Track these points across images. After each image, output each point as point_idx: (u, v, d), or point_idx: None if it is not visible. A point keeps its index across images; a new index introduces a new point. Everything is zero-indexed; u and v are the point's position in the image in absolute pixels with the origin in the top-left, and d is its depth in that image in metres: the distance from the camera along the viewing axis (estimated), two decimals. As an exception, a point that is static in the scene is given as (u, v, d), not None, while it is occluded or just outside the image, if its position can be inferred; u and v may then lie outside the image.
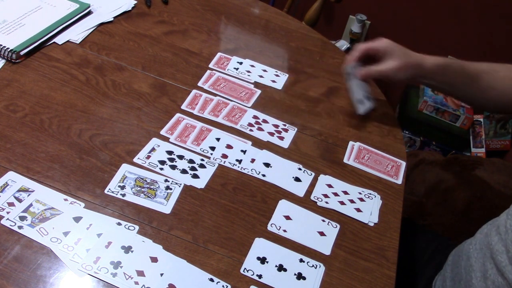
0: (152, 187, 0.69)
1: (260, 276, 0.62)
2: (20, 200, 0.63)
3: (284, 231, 0.68)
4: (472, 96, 0.91)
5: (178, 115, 0.81)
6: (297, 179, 0.76)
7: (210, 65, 0.94)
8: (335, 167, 0.80)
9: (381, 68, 0.87)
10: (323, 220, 0.71)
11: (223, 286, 0.60)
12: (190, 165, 0.74)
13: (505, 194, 1.21)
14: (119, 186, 0.68)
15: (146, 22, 1.01)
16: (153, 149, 0.74)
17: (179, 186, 0.70)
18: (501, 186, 1.23)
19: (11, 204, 0.62)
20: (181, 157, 0.74)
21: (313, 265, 0.65)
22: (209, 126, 0.81)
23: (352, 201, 0.75)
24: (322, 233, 0.69)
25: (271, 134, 0.83)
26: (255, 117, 0.85)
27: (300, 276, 0.63)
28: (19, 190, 0.64)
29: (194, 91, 0.87)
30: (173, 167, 0.72)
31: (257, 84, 0.92)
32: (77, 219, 0.62)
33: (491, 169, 1.28)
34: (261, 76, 0.94)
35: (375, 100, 0.92)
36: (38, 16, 0.92)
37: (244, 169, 0.75)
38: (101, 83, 0.84)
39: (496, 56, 2.10)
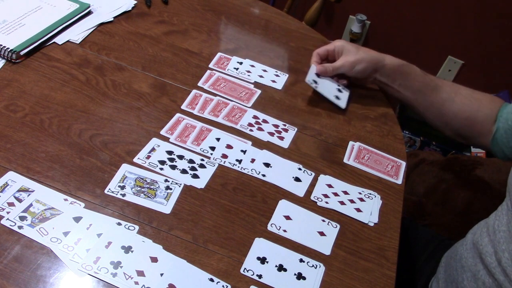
0: (152, 187, 0.69)
1: (260, 276, 0.62)
2: (20, 200, 0.63)
3: (284, 231, 0.68)
4: (430, 106, 0.90)
5: (178, 115, 0.81)
6: (297, 179, 0.76)
7: (210, 65, 0.94)
8: (335, 167, 0.80)
9: (335, 64, 0.90)
10: (323, 220, 0.71)
11: (223, 286, 0.60)
12: (190, 165, 0.74)
13: (505, 194, 1.21)
14: (119, 186, 0.68)
15: (146, 22, 1.01)
16: (153, 149, 0.74)
17: (179, 186, 0.70)
18: (501, 186, 1.23)
19: (11, 204, 0.62)
20: (181, 157, 0.74)
21: (313, 265, 0.65)
22: (209, 126, 0.81)
23: (352, 201, 0.75)
24: (322, 233, 0.69)
25: (271, 134, 0.83)
26: (255, 117, 0.85)
27: (300, 276, 0.63)
28: (19, 190, 0.64)
29: (194, 91, 0.87)
30: (173, 167, 0.72)
31: (257, 84, 0.92)
32: (77, 219, 0.62)
33: (491, 169, 1.28)
34: (261, 76, 0.94)
35: (348, 86, 0.93)
36: (38, 16, 0.92)
37: (244, 169, 0.75)
38: (101, 83, 0.84)
39: (496, 56, 2.11)
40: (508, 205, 0.74)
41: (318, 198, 0.74)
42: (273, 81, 0.94)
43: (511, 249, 0.69)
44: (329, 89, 0.90)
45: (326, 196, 0.75)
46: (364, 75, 0.90)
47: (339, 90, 0.92)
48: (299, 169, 0.78)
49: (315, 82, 0.89)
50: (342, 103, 0.90)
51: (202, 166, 0.74)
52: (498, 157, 0.86)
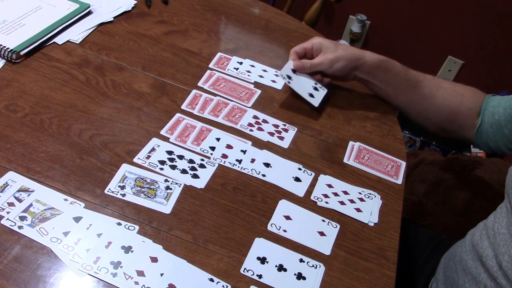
0: (152, 187, 0.69)
1: (260, 276, 0.62)
2: (20, 200, 0.63)
3: (284, 231, 0.68)
4: (412, 102, 0.90)
5: (178, 115, 0.81)
6: (297, 179, 0.76)
7: (210, 65, 0.94)
8: (335, 167, 0.80)
9: (314, 61, 0.88)
10: (323, 220, 0.71)
11: (223, 286, 0.60)
12: (190, 165, 0.74)
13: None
14: (119, 186, 0.68)
15: (146, 22, 1.01)
16: (153, 149, 0.74)
17: (179, 186, 0.70)
18: (501, 187, 1.23)
19: (11, 204, 0.62)
20: (181, 157, 0.74)
21: (313, 265, 0.65)
22: (209, 126, 0.81)
23: (352, 201, 0.75)
24: (322, 233, 0.69)
25: (271, 134, 0.83)
26: (255, 117, 0.85)
27: (300, 276, 0.63)
28: (19, 190, 0.64)
29: (194, 91, 0.87)
30: (173, 167, 0.72)
31: (257, 84, 0.92)
32: (77, 219, 0.62)
33: (491, 169, 1.28)
34: (261, 76, 0.94)
35: (325, 85, 0.91)
36: (38, 16, 0.92)
37: (244, 169, 0.75)
38: (101, 83, 0.84)
39: (496, 57, 2.11)
40: (508, 207, 0.74)
41: (318, 198, 0.74)
42: (273, 81, 0.94)
43: None
44: (303, 86, 0.89)
45: (326, 196, 0.75)
46: (344, 73, 0.89)
47: (316, 89, 0.90)
48: (299, 169, 0.78)
49: (289, 77, 0.87)
50: (316, 101, 0.88)
51: (202, 166, 0.74)
52: (482, 150, 0.86)
